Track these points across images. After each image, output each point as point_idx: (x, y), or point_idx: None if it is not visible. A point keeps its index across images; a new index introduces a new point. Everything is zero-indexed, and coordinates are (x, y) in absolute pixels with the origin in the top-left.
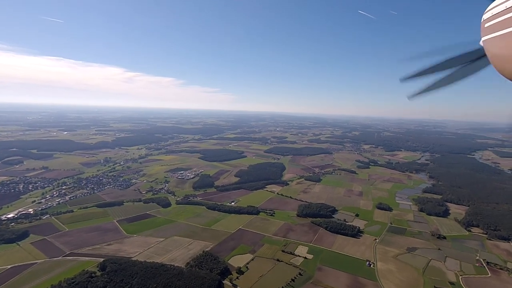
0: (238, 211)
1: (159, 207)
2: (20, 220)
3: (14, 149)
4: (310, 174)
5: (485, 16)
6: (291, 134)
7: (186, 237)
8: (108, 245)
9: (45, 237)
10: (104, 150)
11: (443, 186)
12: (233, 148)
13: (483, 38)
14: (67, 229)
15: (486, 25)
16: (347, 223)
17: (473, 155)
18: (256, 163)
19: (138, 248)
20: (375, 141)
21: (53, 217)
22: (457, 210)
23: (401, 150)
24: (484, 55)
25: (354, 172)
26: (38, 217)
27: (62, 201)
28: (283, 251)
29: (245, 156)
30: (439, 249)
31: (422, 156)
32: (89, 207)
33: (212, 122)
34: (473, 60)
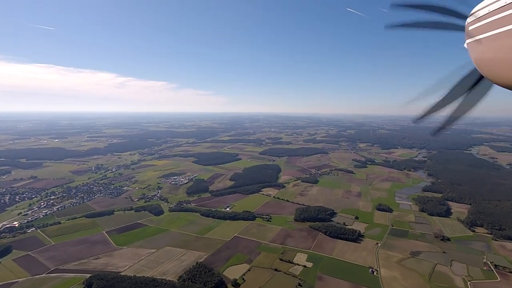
0: (233, 217)
1: (151, 215)
2: (3, 234)
3: (2, 159)
4: (307, 176)
5: (469, 19)
6: (286, 135)
7: (179, 247)
8: (96, 259)
9: (28, 253)
10: (96, 157)
11: (443, 184)
12: (227, 150)
13: (467, 41)
14: (53, 243)
15: (470, 28)
16: (346, 227)
17: (470, 150)
18: (251, 165)
19: (128, 261)
20: (371, 139)
21: (38, 230)
22: (459, 209)
23: (397, 148)
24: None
25: (352, 172)
26: (23, 231)
27: (49, 212)
28: (281, 259)
29: (240, 159)
30: (444, 252)
31: (419, 153)
32: (78, 218)
33: (206, 125)
34: (476, 81)
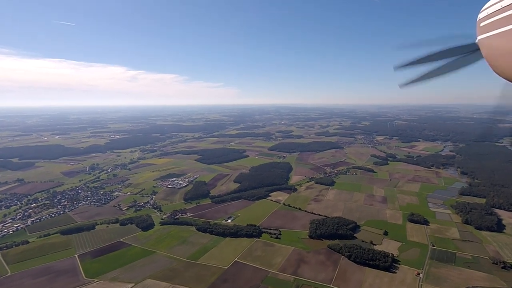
0: (235, 233)
1: (138, 230)
2: None
3: None
4: (321, 175)
5: (480, 15)
6: (296, 128)
7: (164, 279)
8: None
9: None
10: (94, 155)
11: (483, 186)
12: (234, 146)
13: (478, 37)
14: (10, 273)
15: (482, 24)
16: (375, 248)
17: (502, 142)
18: (259, 163)
19: None
20: (389, 132)
21: None
22: None
23: (419, 141)
24: (477, 49)
25: (372, 171)
26: None
27: (22, 226)
28: None
29: (247, 156)
30: None
31: (444, 147)
32: (52, 234)
33: (215, 117)
34: (467, 53)
